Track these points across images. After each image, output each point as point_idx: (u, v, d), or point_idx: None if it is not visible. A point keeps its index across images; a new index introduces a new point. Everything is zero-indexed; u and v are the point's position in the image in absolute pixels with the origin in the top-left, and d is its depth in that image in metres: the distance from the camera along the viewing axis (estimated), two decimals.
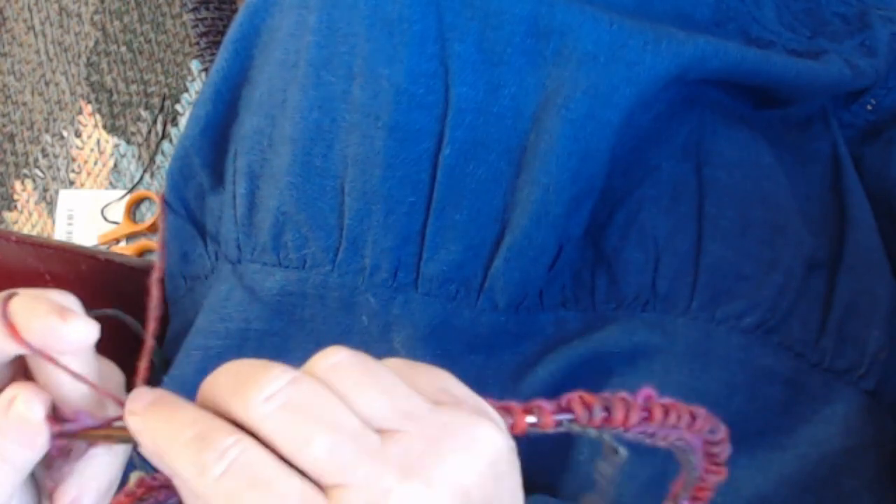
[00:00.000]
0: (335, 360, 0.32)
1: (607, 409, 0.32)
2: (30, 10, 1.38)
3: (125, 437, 0.33)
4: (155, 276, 0.39)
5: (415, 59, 0.55)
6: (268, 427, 0.30)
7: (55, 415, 0.34)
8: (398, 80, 0.55)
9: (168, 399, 0.32)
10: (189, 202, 0.64)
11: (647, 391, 0.32)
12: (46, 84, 1.35)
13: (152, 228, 1.25)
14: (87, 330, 0.33)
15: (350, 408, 0.31)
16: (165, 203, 0.65)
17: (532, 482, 0.54)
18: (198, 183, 0.64)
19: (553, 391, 0.55)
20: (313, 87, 0.56)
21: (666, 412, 0.32)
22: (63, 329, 0.32)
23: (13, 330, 0.33)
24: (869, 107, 0.67)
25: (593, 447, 0.53)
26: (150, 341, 0.36)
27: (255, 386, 0.31)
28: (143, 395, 0.32)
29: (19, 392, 0.33)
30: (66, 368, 0.33)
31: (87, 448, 0.35)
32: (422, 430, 0.31)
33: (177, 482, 0.32)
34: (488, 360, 0.56)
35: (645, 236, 0.56)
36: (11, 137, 1.35)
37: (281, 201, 0.57)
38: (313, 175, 0.57)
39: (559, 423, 0.32)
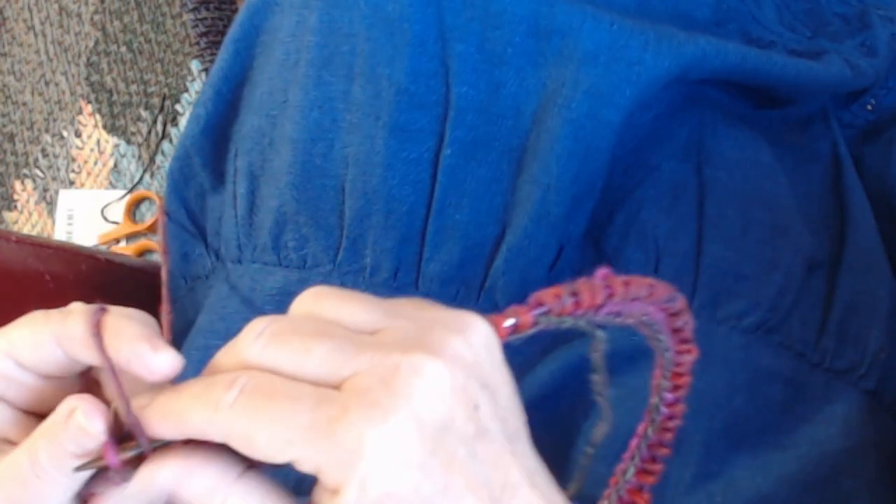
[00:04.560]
0: (313, 291, 0.34)
1: (574, 294, 0.33)
2: (30, 10, 1.38)
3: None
4: (164, 294, 0.39)
5: (415, 59, 0.55)
6: (267, 357, 0.32)
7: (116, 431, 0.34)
8: (399, 80, 0.55)
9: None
10: (189, 202, 0.64)
11: (603, 270, 0.34)
12: (46, 84, 1.35)
13: (152, 228, 1.25)
14: (173, 364, 0.33)
15: (338, 322, 0.33)
16: (165, 213, 0.65)
17: None
18: (198, 183, 0.64)
19: (553, 391, 0.55)
20: (314, 86, 0.56)
21: (626, 284, 0.34)
22: (151, 359, 0.33)
23: (101, 345, 0.33)
24: (869, 107, 0.67)
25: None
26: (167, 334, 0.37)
27: (244, 334, 0.33)
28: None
29: (79, 404, 0.33)
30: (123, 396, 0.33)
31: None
32: (413, 322, 0.33)
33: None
34: None
35: (645, 236, 0.56)
36: (11, 137, 1.35)
37: (281, 201, 0.57)
38: (314, 175, 0.57)
39: (536, 321, 0.33)
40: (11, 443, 0.35)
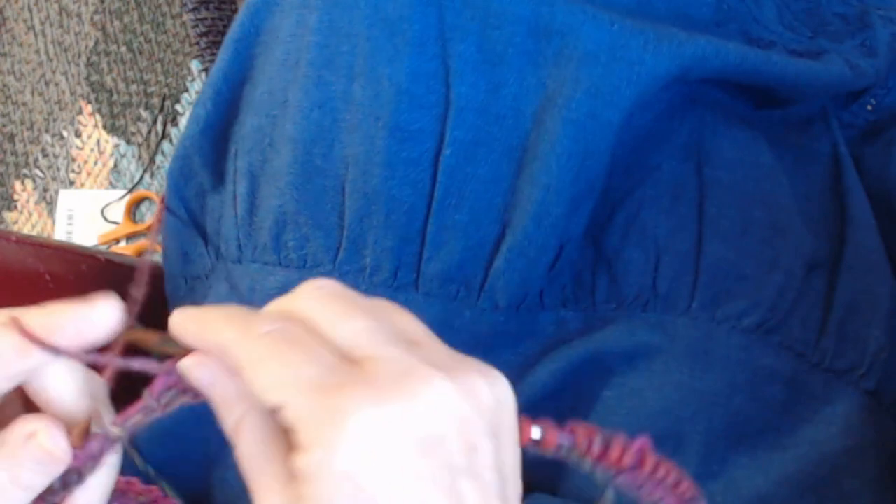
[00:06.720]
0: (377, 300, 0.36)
1: (606, 444, 0.33)
2: (30, 10, 1.38)
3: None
4: (147, 258, 0.40)
5: (416, 59, 0.55)
6: (311, 307, 0.34)
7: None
8: (399, 80, 0.55)
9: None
10: (189, 202, 0.64)
11: (644, 439, 0.34)
12: (46, 84, 1.35)
13: (152, 228, 1.25)
14: (113, 306, 0.34)
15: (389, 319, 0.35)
16: (165, 206, 0.65)
17: (532, 482, 0.54)
18: (198, 183, 0.64)
19: (553, 391, 0.55)
20: (314, 86, 0.56)
21: (656, 465, 0.33)
22: (93, 313, 0.34)
23: (34, 338, 0.33)
24: (869, 107, 0.67)
25: None
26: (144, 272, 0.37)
27: (308, 283, 0.35)
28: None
29: (39, 427, 0.34)
30: (84, 360, 0.34)
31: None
32: (449, 352, 0.34)
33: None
34: (488, 360, 0.56)
35: (645, 236, 0.56)
36: (11, 137, 1.35)
37: (281, 201, 0.57)
38: (314, 175, 0.57)
39: (560, 447, 0.33)
40: None
